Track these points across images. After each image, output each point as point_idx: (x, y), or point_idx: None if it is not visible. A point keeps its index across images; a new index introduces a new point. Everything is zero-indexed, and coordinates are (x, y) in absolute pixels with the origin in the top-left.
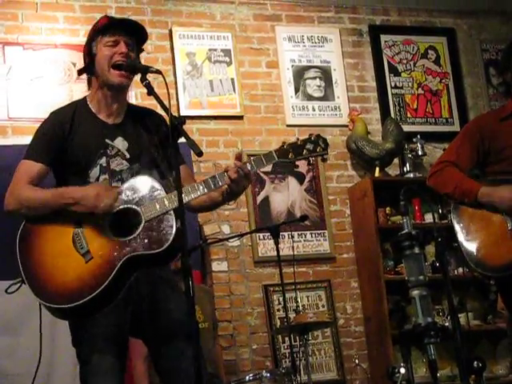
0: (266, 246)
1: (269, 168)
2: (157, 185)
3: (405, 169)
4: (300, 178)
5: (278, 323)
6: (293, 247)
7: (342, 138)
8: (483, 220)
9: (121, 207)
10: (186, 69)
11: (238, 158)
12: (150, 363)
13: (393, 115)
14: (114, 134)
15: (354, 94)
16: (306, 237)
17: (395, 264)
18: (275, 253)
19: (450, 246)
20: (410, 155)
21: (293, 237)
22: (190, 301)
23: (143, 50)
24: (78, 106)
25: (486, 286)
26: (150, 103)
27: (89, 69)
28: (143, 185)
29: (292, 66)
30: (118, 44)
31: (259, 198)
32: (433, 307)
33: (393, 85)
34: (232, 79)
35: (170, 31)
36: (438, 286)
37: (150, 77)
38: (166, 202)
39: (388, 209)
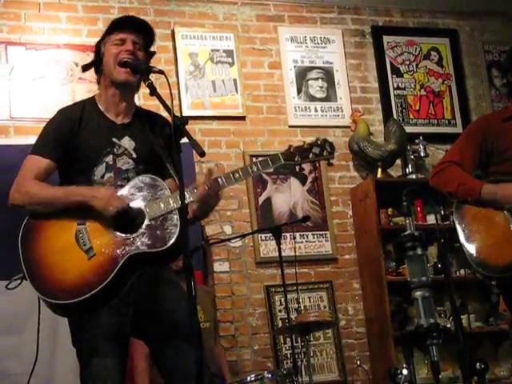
0: (267, 247)
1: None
2: (162, 184)
3: (407, 170)
4: (302, 179)
5: (280, 324)
6: (294, 248)
7: (344, 139)
8: (485, 220)
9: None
10: (189, 69)
11: (209, 173)
12: (151, 363)
13: (395, 116)
14: (121, 133)
15: (356, 95)
16: (307, 238)
17: (397, 265)
18: (277, 253)
19: (452, 247)
20: (412, 156)
21: (295, 238)
22: (192, 301)
23: (154, 52)
24: (87, 105)
25: (488, 287)
26: (153, 103)
27: (98, 68)
28: (148, 184)
29: (294, 66)
30: (125, 42)
31: (261, 199)
32: (435, 308)
33: (395, 86)
34: (234, 80)
35: (173, 31)
36: (440, 288)
37: (152, 77)
38: (171, 202)
39: (390, 210)
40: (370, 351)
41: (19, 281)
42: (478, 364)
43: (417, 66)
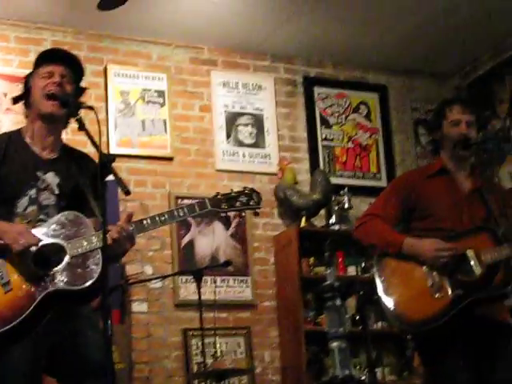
0: (187, 290)
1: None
2: (85, 222)
3: (331, 220)
4: (226, 224)
5: (195, 368)
6: (215, 292)
7: (270, 185)
8: (404, 274)
9: (46, 241)
10: (119, 107)
11: (128, 218)
12: None
13: (322, 167)
14: (46, 168)
15: (284, 143)
16: (228, 282)
17: (316, 315)
18: (197, 297)
19: (370, 299)
20: (336, 207)
21: (215, 282)
22: (108, 341)
23: (86, 88)
24: (13, 136)
25: (404, 341)
26: (81, 139)
27: (26, 101)
28: (72, 221)
29: (225, 111)
30: (53, 75)
31: (184, 241)
32: (351, 360)
33: (323, 137)
34: (164, 120)
35: (105, 68)
36: (357, 340)
37: (82, 112)
38: (94, 240)
39: (312, 259)
40: None
41: None
42: None
43: (346, 118)
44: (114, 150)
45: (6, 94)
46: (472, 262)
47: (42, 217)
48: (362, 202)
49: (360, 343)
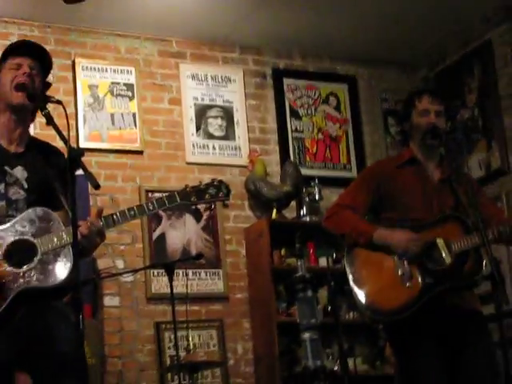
0: (159, 283)
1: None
2: (55, 218)
3: (301, 212)
4: (197, 216)
5: (168, 361)
6: (187, 285)
7: (240, 178)
8: (375, 265)
9: (16, 238)
10: (88, 101)
11: (99, 213)
12: None
13: (292, 158)
14: (14, 162)
15: (254, 136)
16: (200, 275)
17: (288, 306)
18: (169, 290)
19: (342, 290)
20: (307, 199)
21: (187, 274)
22: (81, 336)
23: (51, 84)
24: None
25: (376, 331)
26: (49, 133)
27: None
28: (41, 217)
29: (194, 104)
30: (21, 67)
31: (155, 234)
32: (323, 351)
33: (293, 128)
34: (134, 114)
35: (73, 62)
36: (328, 330)
37: (50, 106)
38: (64, 236)
39: (283, 250)
40: None
41: None
42: None
43: (315, 109)
44: (83, 144)
45: None
46: (442, 251)
47: (10, 212)
48: (332, 193)
49: (332, 334)
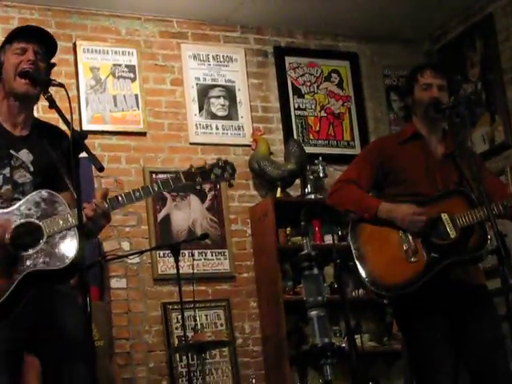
0: (165, 264)
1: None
2: (60, 200)
3: (306, 190)
4: (202, 197)
5: (176, 342)
6: (193, 265)
7: (244, 157)
8: (380, 240)
9: (22, 221)
10: (90, 83)
11: (104, 195)
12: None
13: (295, 136)
14: (19, 145)
15: (257, 114)
16: (206, 255)
17: (294, 284)
18: (175, 271)
19: (348, 267)
20: (311, 176)
21: (193, 255)
22: (88, 319)
23: (55, 64)
24: None
25: (383, 307)
26: (52, 117)
27: None
28: (47, 199)
29: (197, 84)
30: (26, 52)
31: (160, 216)
32: (330, 328)
33: (296, 106)
34: (136, 95)
35: (74, 45)
36: (335, 307)
37: (52, 90)
38: (70, 218)
39: (289, 229)
40: (266, 370)
41: None
42: (370, 383)
43: (318, 87)
44: (86, 127)
45: None
46: (446, 226)
47: (17, 195)
48: (336, 171)
49: (339, 311)
